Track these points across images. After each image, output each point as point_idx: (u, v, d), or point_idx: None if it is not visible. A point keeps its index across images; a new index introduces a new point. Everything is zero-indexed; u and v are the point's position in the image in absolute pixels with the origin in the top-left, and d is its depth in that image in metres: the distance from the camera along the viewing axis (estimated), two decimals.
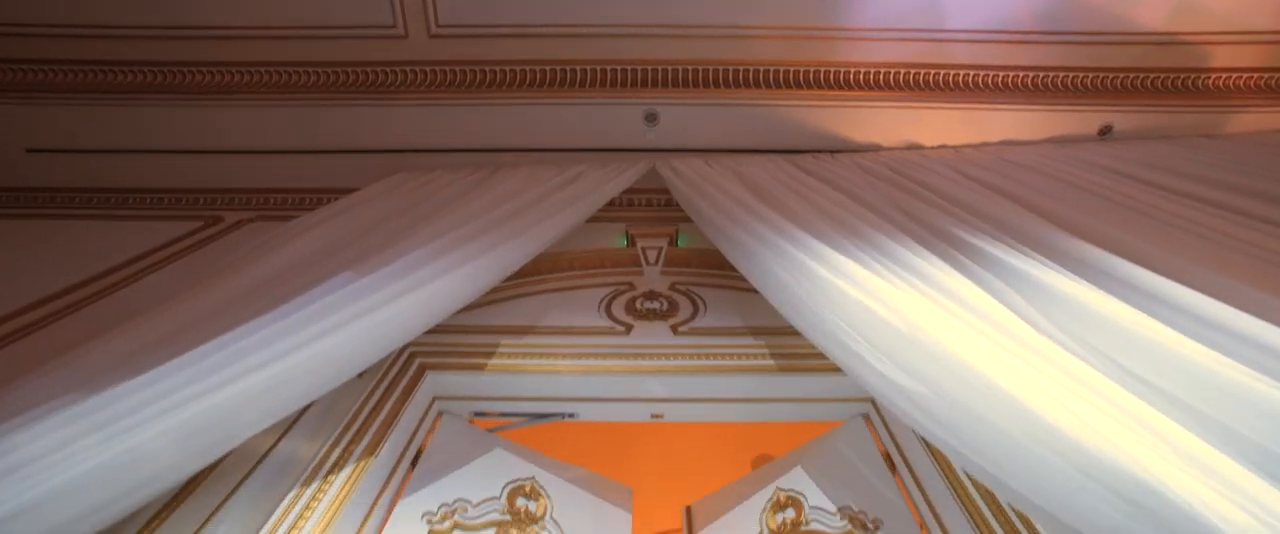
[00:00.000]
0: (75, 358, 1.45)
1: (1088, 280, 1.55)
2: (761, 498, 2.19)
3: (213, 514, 1.49)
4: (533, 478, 2.19)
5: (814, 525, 2.02)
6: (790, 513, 2.09)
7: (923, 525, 1.77)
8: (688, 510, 2.56)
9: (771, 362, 2.16)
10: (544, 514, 2.18)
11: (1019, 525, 1.48)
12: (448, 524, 1.99)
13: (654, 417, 2.28)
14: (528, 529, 2.10)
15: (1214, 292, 1.40)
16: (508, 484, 2.18)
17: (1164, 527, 0.99)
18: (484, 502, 2.09)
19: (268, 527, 1.46)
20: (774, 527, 2.08)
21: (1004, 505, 1.54)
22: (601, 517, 2.22)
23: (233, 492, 1.55)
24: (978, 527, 1.54)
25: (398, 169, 3.08)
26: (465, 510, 2.01)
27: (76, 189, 3.46)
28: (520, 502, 2.13)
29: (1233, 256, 1.70)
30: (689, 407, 2.24)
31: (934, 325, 1.44)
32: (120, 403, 1.31)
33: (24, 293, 2.52)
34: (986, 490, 1.60)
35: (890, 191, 2.25)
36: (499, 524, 2.02)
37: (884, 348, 1.49)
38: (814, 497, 2.12)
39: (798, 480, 2.19)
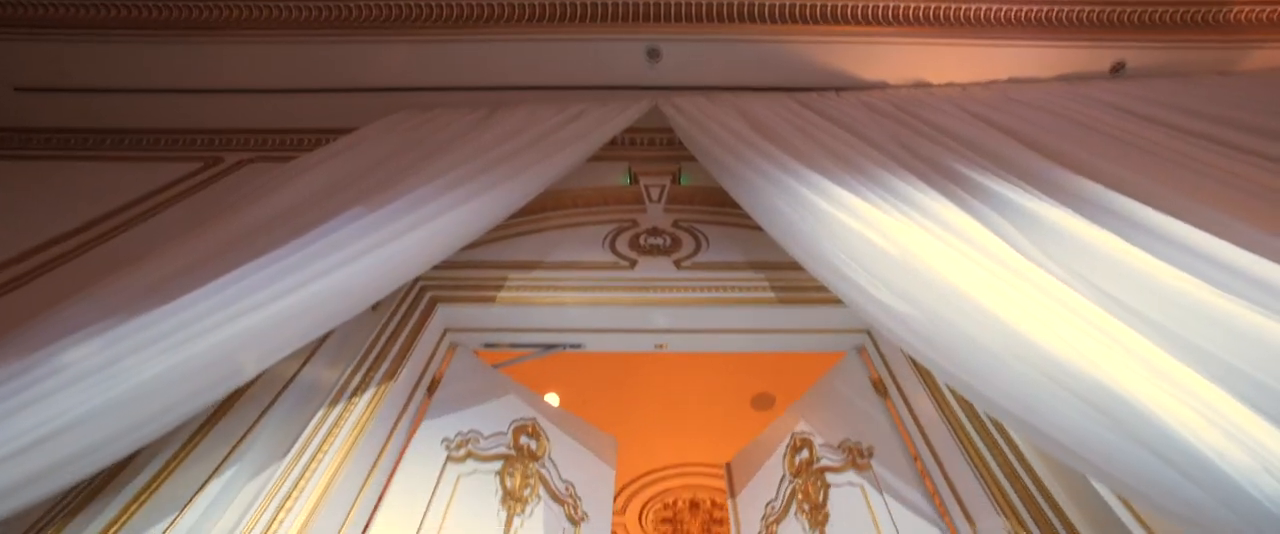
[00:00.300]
0: (110, 285, 1.56)
1: (1080, 213, 1.65)
2: (783, 445, 2.39)
3: (248, 431, 1.63)
4: (534, 419, 2.36)
5: (822, 462, 2.20)
6: (805, 453, 2.28)
7: (909, 442, 1.93)
8: (728, 467, 2.78)
9: (772, 294, 2.28)
10: (543, 454, 2.37)
11: (994, 432, 1.63)
12: (463, 452, 2.16)
13: (657, 347, 2.42)
14: (529, 466, 2.29)
15: (1201, 223, 1.49)
16: (513, 422, 2.35)
17: (1121, 426, 1.12)
18: (493, 435, 2.27)
19: (299, 442, 1.61)
20: (794, 468, 2.28)
21: (982, 416, 1.69)
22: (589, 463, 2.43)
23: (265, 411, 1.69)
24: (958, 436, 1.69)
25: (397, 108, 3.11)
26: (478, 441, 2.18)
27: (70, 129, 3.49)
28: (523, 440, 2.30)
29: (1227, 192, 1.79)
30: (691, 338, 2.38)
31: (928, 254, 1.54)
32: (157, 326, 1.42)
33: (25, 237, 2.61)
34: (967, 404, 1.74)
35: (894, 129, 2.30)
36: (505, 457, 2.20)
37: (880, 276, 1.60)
38: (821, 435, 2.29)
39: (809, 423, 2.37)
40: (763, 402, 4.76)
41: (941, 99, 2.61)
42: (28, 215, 2.89)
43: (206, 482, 1.49)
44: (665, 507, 5.77)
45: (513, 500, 2.17)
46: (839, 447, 2.20)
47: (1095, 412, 1.16)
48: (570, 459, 2.45)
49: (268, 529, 1.39)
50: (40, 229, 2.69)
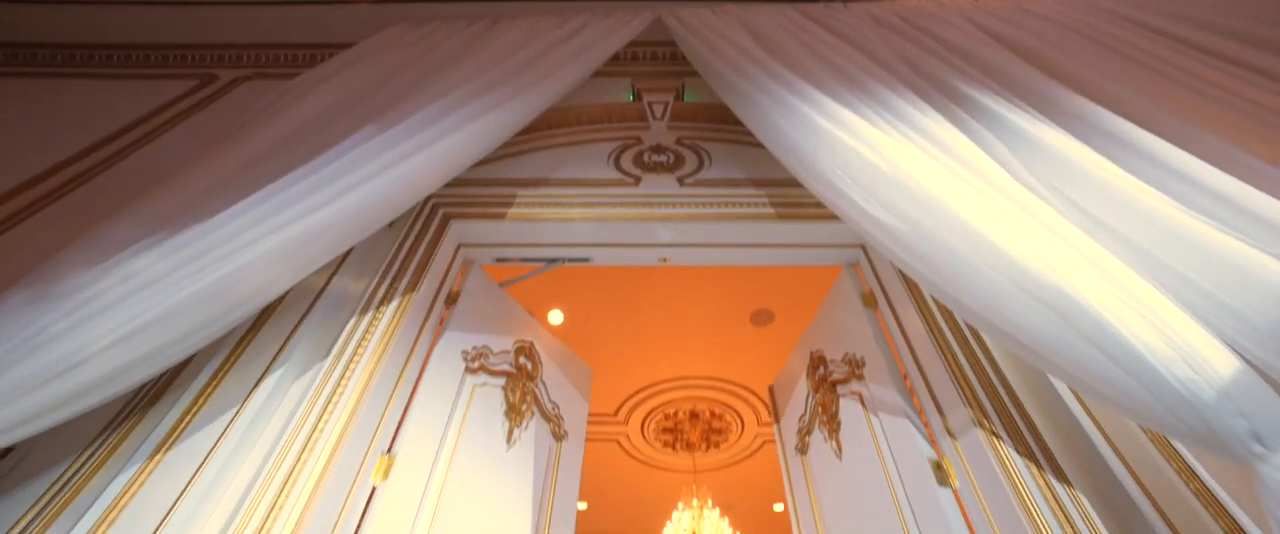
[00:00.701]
0: (149, 204, 1.72)
1: (1073, 133, 1.77)
2: (805, 364, 2.64)
3: (289, 337, 1.84)
4: (532, 343, 2.61)
5: (833, 375, 2.44)
6: (821, 369, 2.53)
7: (895, 350, 2.15)
8: (771, 389, 3.06)
9: (771, 210, 2.43)
10: (538, 375, 2.63)
11: (969, 337, 1.84)
12: (477, 365, 2.40)
13: (661, 260, 2.61)
14: (527, 384, 2.56)
15: (1188, 144, 1.62)
16: (516, 343, 2.59)
17: (1072, 325, 1.31)
18: (500, 353, 2.51)
19: (337, 345, 1.83)
20: (814, 384, 2.55)
21: (960, 324, 1.90)
22: (570, 388, 2.76)
23: (301, 319, 1.90)
24: (937, 342, 1.91)
25: (390, 21, 3.12)
26: (488, 356, 2.42)
27: (57, 45, 3.50)
28: (522, 360, 2.55)
29: (1226, 113, 1.89)
30: (694, 251, 2.56)
31: (918, 171, 1.68)
32: (204, 239, 1.59)
33: (33, 159, 2.71)
34: (948, 312, 1.95)
35: (900, 44, 2.36)
36: (509, 374, 2.46)
37: (873, 191, 1.75)
38: (830, 350, 2.53)
39: (821, 340, 2.61)
40: (762, 318, 5.03)
41: (951, 11, 2.64)
42: (27, 136, 2.97)
43: (259, 381, 1.71)
44: (666, 417, 6.21)
45: (514, 413, 2.45)
46: (842, 360, 2.44)
47: (1053, 313, 1.35)
48: (557, 382, 2.74)
49: (317, 425, 1.63)
50: (47, 151, 2.79)
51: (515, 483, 2.29)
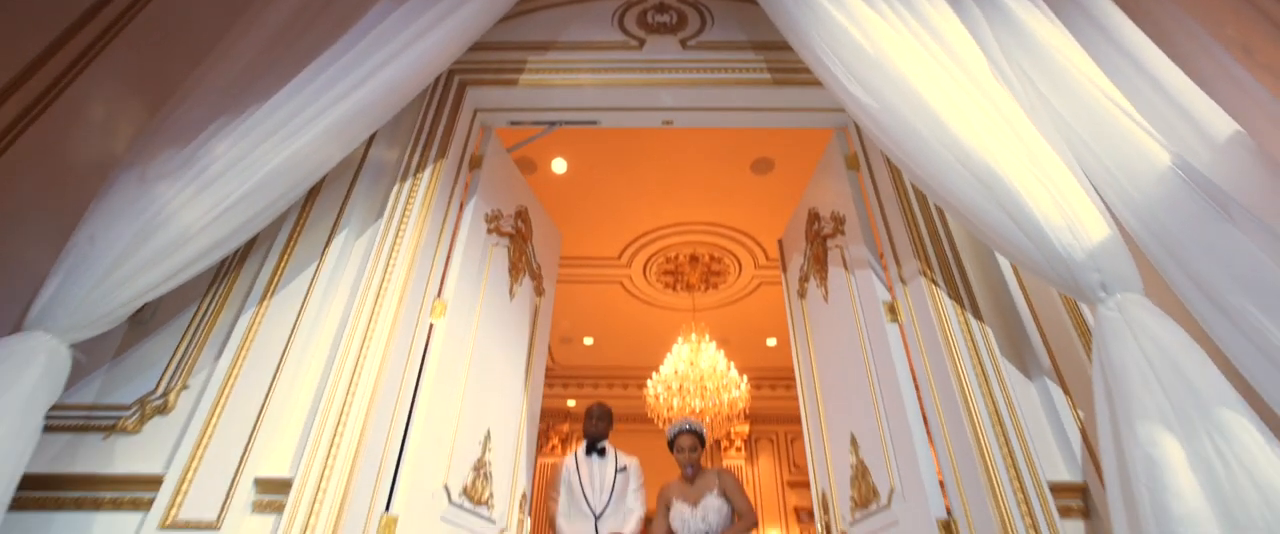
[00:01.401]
0: (206, 80, 2.02)
1: (1062, 19, 2.00)
2: (803, 220, 3.06)
3: (345, 204, 2.25)
4: (527, 208, 3.01)
5: (823, 230, 2.87)
6: (815, 224, 2.94)
7: (870, 209, 2.57)
8: (780, 243, 3.50)
9: (768, 76, 2.70)
10: (530, 238, 3.08)
11: (931, 203, 2.25)
12: (493, 226, 2.84)
13: (665, 123, 2.93)
14: (522, 246, 3.03)
15: (1169, 31, 1.88)
16: (517, 208, 3.00)
17: (996, 198, 1.71)
18: (508, 216, 2.94)
19: (387, 209, 2.24)
20: (810, 236, 3.00)
21: (913, 185, 2.30)
22: (548, 251, 3.37)
23: (351, 188, 2.29)
24: (902, 203, 2.32)
25: None
26: (500, 220, 2.86)
27: None
28: (520, 224, 2.99)
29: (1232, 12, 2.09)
30: (695, 115, 2.87)
31: (899, 54, 1.96)
32: (267, 121, 1.93)
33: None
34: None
35: None
36: (511, 236, 2.90)
37: (854, 70, 2.03)
38: (822, 209, 2.93)
39: (817, 197, 3.00)
40: (762, 166, 5.37)
41: None
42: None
43: (328, 242, 2.16)
44: (667, 261, 6.82)
45: (515, 270, 2.96)
46: (830, 217, 2.86)
47: (983, 189, 1.74)
48: (540, 245, 3.25)
49: (384, 275, 2.10)
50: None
51: (515, 329, 2.91)
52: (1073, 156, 1.77)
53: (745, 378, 6.58)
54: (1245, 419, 1.23)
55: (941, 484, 1.91)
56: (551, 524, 3.49)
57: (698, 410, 6.27)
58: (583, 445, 3.65)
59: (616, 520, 3.38)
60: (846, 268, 2.62)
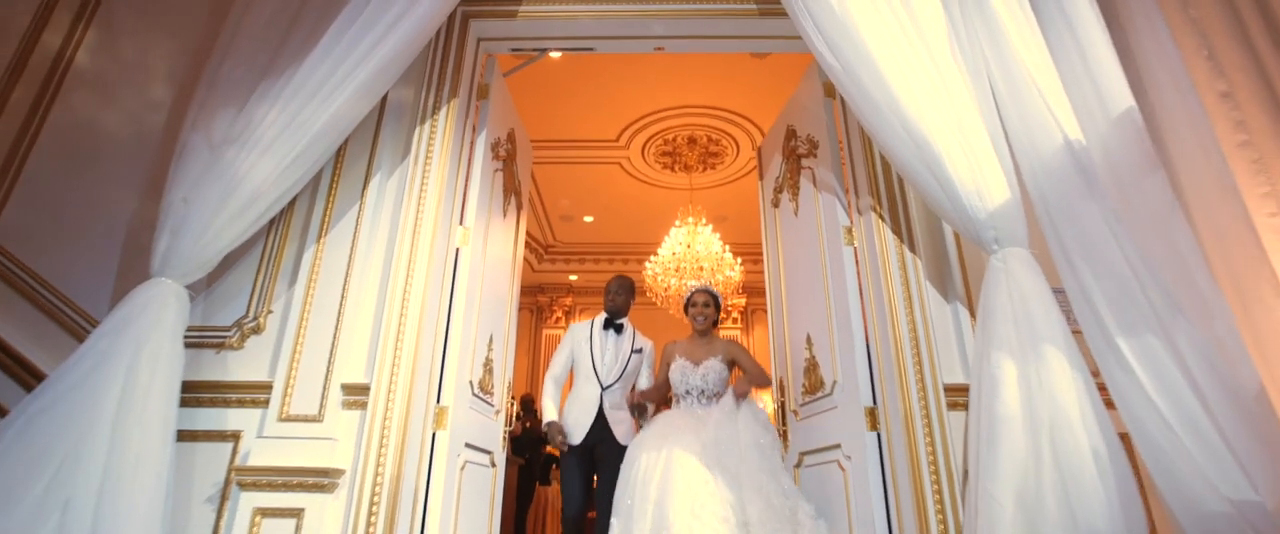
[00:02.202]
0: (238, 40, 2.40)
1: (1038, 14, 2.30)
2: (781, 135, 3.44)
3: (374, 148, 2.69)
4: (514, 129, 3.44)
5: (798, 149, 3.28)
6: (792, 142, 3.35)
7: (841, 138, 2.99)
8: (758, 150, 3.88)
9: (753, 6, 2.99)
10: (515, 159, 3.56)
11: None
12: (496, 153, 3.27)
13: (656, 49, 3.24)
14: (511, 167, 3.53)
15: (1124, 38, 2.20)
16: (508, 132, 3.43)
17: (926, 163, 2.17)
18: (503, 141, 3.38)
19: (412, 152, 2.68)
20: (785, 153, 3.41)
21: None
22: (525, 165, 3.82)
23: (377, 132, 2.71)
24: (864, 140, 2.75)
25: None
26: (500, 147, 3.30)
27: None
28: (509, 146, 3.45)
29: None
30: (685, 42, 3.18)
31: (862, 17, 2.29)
32: (305, 86, 2.33)
33: None
34: None
35: None
36: (505, 159, 3.36)
37: (821, 26, 2.38)
38: (799, 128, 3.32)
39: (795, 117, 3.37)
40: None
41: None
42: None
43: (366, 183, 2.63)
44: (665, 143, 7.17)
45: (507, 191, 3.46)
46: (805, 139, 3.27)
47: (918, 152, 2.18)
48: (521, 162, 3.73)
49: (418, 209, 2.59)
50: None
51: (508, 243, 3.52)
52: (997, 124, 2.20)
53: (740, 259, 7.23)
54: (1062, 353, 1.81)
55: (872, 380, 2.56)
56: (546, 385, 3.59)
57: (678, 289, 7.00)
58: (601, 317, 3.73)
59: (620, 394, 3.52)
60: (816, 189, 3.10)
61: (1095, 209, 1.94)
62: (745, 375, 3.23)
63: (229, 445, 2.26)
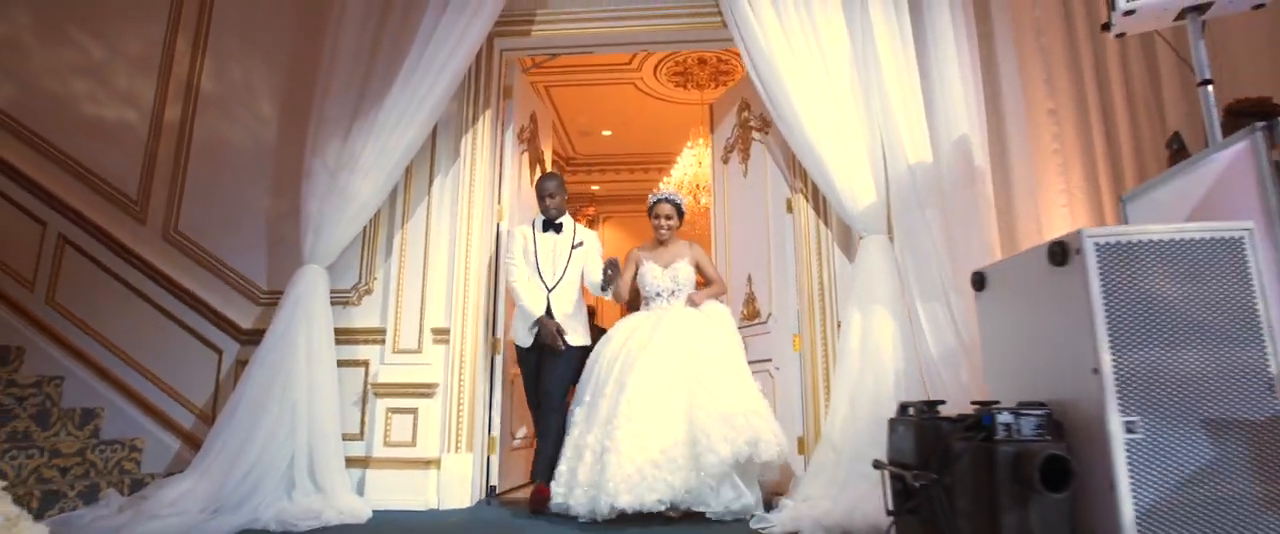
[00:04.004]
0: (334, 80, 3.68)
1: (915, 26, 3.38)
2: (736, 106, 4.59)
3: (434, 154, 3.99)
4: (535, 111, 4.65)
5: (751, 121, 4.44)
6: (746, 114, 4.42)
7: None
8: (711, 107, 4.99)
9: (718, 18, 4.08)
10: (537, 133, 4.72)
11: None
12: (521, 138, 4.51)
13: (641, 50, 4.39)
14: (534, 141, 4.71)
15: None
16: (531, 113, 4.64)
17: (821, 171, 3.40)
18: (527, 126, 4.59)
19: (462, 155, 3.99)
20: (739, 122, 4.55)
21: None
22: (545, 129, 4.87)
23: (434, 139, 4.00)
24: None
25: None
26: (524, 133, 4.54)
27: None
28: (532, 125, 4.67)
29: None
30: (662, 45, 4.33)
31: (782, 55, 3.45)
32: (387, 119, 3.62)
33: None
34: None
35: None
36: (530, 139, 4.58)
37: (753, 57, 3.58)
38: (753, 105, 4.46)
39: (749, 95, 4.50)
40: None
41: None
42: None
43: (432, 181, 3.97)
44: (676, 64, 8.17)
45: (532, 163, 4.72)
46: (758, 116, 4.42)
47: (816, 162, 3.43)
48: (541, 136, 4.89)
49: (469, 198, 3.94)
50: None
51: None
52: (876, 140, 3.38)
53: None
54: (887, 310, 3.14)
55: (797, 314, 3.93)
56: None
57: (706, 205, 8.26)
58: (539, 219, 3.94)
59: (569, 293, 3.79)
60: (764, 161, 4.31)
61: (917, 213, 3.20)
62: (706, 285, 3.84)
63: (363, 369, 3.80)
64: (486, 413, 3.93)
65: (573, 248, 3.91)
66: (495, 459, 3.91)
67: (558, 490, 3.20)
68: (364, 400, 3.77)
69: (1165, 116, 3.34)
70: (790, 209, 4.07)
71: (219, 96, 4.28)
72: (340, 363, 3.71)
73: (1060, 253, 1.81)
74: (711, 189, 5.05)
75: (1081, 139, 3.39)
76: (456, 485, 3.65)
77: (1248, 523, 1.59)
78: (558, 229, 3.93)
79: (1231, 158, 1.91)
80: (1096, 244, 1.74)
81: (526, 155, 4.64)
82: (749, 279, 4.34)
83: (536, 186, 4.01)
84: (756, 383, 3.40)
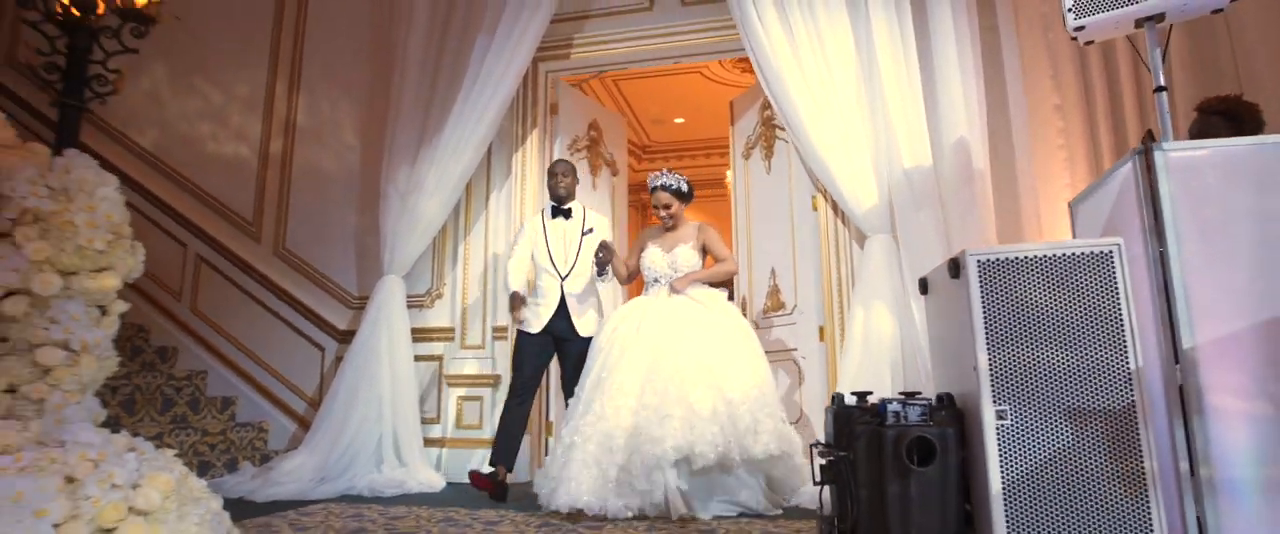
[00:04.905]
0: (400, 108, 4.45)
1: (918, 32, 3.72)
2: (757, 103, 5.01)
3: (489, 169, 4.70)
4: (597, 118, 5.19)
5: (775, 119, 4.86)
6: (768, 112, 4.87)
7: None
8: (732, 103, 5.45)
9: (734, 32, 4.51)
10: (602, 141, 5.27)
11: None
12: (573, 147, 5.13)
13: (674, 63, 4.90)
14: (597, 148, 5.25)
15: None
16: (589, 122, 5.22)
17: (824, 173, 3.81)
18: (583, 134, 5.18)
19: (515, 169, 4.68)
20: (762, 120, 4.99)
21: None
22: (617, 137, 5.34)
23: (490, 154, 4.71)
24: None
25: None
26: (579, 140, 5.15)
27: None
28: (593, 133, 5.22)
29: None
30: (693, 59, 4.81)
31: (788, 67, 3.87)
32: (445, 146, 4.35)
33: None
34: None
35: None
36: (588, 146, 5.17)
37: (763, 67, 4.00)
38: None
39: None
40: None
41: None
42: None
43: (488, 197, 4.69)
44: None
45: (594, 168, 5.28)
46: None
47: (821, 166, 3.83)
48: (609, 138, 5.42)
49: (520, 208, 4.63)
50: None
51: (605, 204, 5.37)
52: (880, 145, 3.75)
53: None
54: (885, 304, 3.54)
55: (821, 307, 4.35)
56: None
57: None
58: (549, 207, 4.04)
59: (582, 281, 3.90)
60: (790, 158, 4.69)
61: (916, 214, 3.56)
62: (714, 265, 3.74)
63: (437, 363, 4.60)
64: (545, 398, 4.63)
65: (583, 235, 4.00)
66: (552, 441, 4.62)
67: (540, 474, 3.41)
68: (439, 390, 4.57)
69: (1175, 110, 3.50)
70: (816, 207, 4.48)
71: (312, 129, 5.18)
72: (418, 357, 4.52)
73: (954, 268, 2.21)
74: (732, 183, 5.46)
75: (1087, 134, 3.60)
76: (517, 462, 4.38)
77: (1100, 495, 1.97)
78: (567, 215, 4.03)
79: (1122, 177, 2.24)
80: (978, 261, 2.14)
81: (586, 163, 5.27)
82: (773, 272, 4.77)
83: (547, 171, 4.18)
84: (767, 370, 3.81)
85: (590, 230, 4.01)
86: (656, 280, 3.73)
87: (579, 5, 4.80)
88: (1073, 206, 2.77)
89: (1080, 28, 2.72)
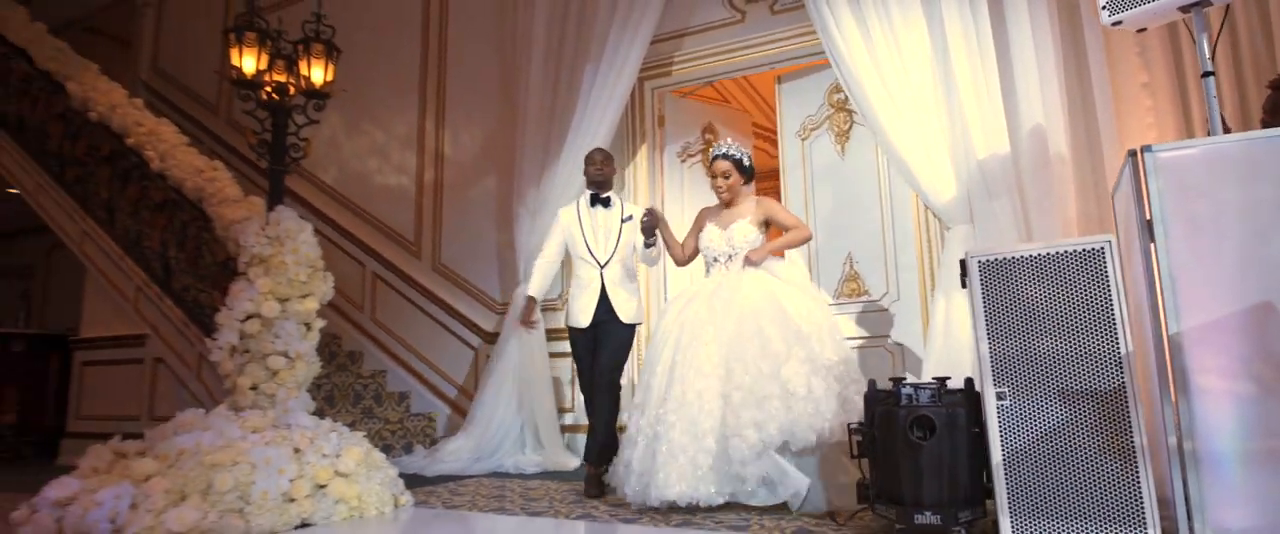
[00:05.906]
0: (524, 134, 5.30)
1: (993, 24, 4.00)
2: (825, 86, 5.34)
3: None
4: (712, 121, 5.76)
5: (848, 103, 5.21)
6: (841, 95, 5.22)
7: None
8: (778, 77, 5.84)
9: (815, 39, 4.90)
10: (720, 137, 5.81)
11: None
12: (683, 155, 5.75)
13: (763, 70, 5.37)
14: (708, 149, 5.79)
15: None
16: (703, 126, 5.81)
17: (904, 166, 4.16)
18: (693, 142, 5.78)
19: (629, 176, 5.40)
20: (832, 103, 5.35)
21: None
22: (738, 136, 5.83)
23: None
24: None
25: None
26: (690, 148, 5.76)
27: None
28: (707, 136, 5.78)
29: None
30: (784, 64, 5.24)
31: (860, 63, 4.25)
32: (566, 168, 5.15)
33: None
34: None
35: None
36: (701, 149, 5.75)
37: (839, 65, 4.38)
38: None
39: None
40: None
41: None
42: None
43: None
44: None
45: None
46: None
47: (899, 159, 4.18)
48: (732, 133, 5.92)
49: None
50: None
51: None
52: (956, 135, 4.04)
53: None
54: (961, 295, 3.85)
55: (918, 296, 4.67)
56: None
57: None
58: (587, 195, 4.21)
59: (620, 268, 4.05)
60: (868, 144, 4.97)
61: (991, 203, 3.83)
62: (782, 235, 3.69)
63: (569, 359, 5.42)
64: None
65: (622, 222, 4.13)
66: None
67: (617, 474, 3.49)
68: (572, 383, 5.41)
69: (1257, 87, 3.48)
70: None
71: (456, 158, 6.22)
72: (553, 354, 5.38)
73: (962, 269, 2.61)
74: (781, 166, 5.47)
75: (1179, 111, 3.66)
76: None
77: (1094, 465, 2.32)
78: (606, 204, 4.16)
79: (1128, 174, 2.51)
80: (979, 262, 2.54)
81: (700, 166, 5.89)
82: (850, 258, 5.06)
83: (585, 159, 4.30)
84: (865, 359, 4.26)
85: (629, 218, 4.15)
86: (715, 260, 3.71)
87: (677, 24, 5.42)
88: (1113, 196, 3.00)
89: (1118, 22, 2.94)
